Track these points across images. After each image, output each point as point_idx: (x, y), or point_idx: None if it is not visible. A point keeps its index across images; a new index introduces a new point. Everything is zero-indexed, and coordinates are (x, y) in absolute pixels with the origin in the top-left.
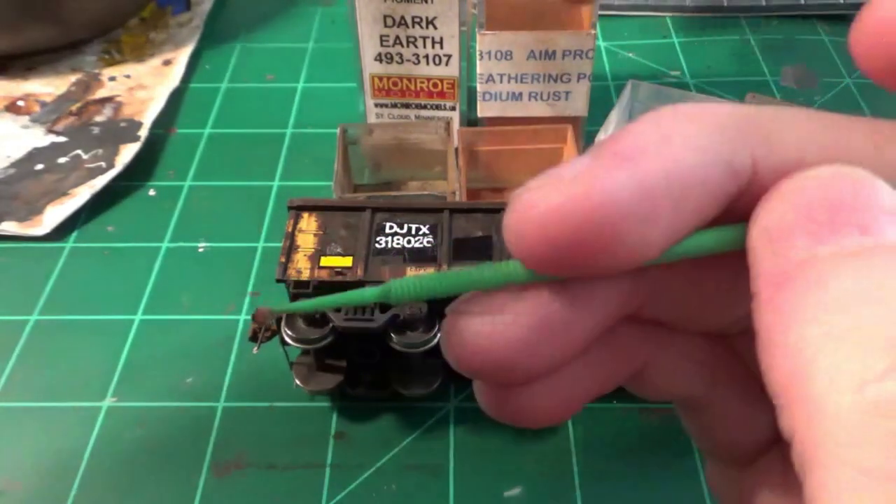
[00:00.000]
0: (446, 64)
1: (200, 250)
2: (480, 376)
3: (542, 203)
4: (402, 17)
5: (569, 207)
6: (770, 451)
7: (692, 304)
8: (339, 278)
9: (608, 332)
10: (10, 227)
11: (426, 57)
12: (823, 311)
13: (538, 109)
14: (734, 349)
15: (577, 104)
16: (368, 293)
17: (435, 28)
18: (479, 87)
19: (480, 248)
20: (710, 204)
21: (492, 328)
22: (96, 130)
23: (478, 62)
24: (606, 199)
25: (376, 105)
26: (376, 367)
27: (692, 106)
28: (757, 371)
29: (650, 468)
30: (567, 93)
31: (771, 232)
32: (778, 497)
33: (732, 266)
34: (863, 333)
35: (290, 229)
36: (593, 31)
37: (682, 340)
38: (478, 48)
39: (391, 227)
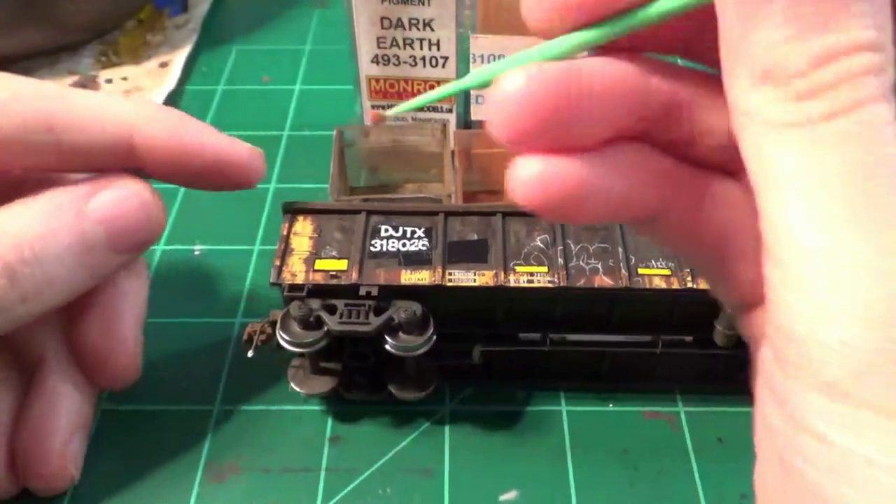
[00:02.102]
0: (443, 66)
1: (196, 253)
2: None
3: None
4: (399, 19)
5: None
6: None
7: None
8: (334, 281)
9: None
10: None
11: (423, 59)
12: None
13: None
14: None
15: None
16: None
17: (432, 30)
18: (472, 91)
19: (476, 251)
20: None
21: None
22: None
23: (471, 65)
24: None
25: (373, 107)
26: (371, 370)
27: None
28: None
29: (645, 471)
30: None
31: None
32: None
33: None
34: None
35: (285, 232)
36: None
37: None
38: (471, 51)
39: (386, 230)
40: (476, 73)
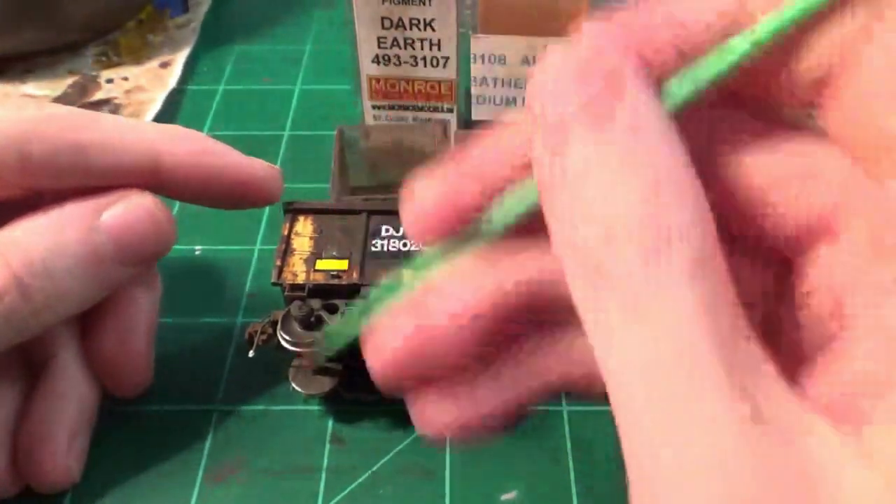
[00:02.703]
0: (444, 66)
1: (197, 253)
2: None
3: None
4: (400, 19)
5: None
6: None
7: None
8: (335, 281)
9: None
10: None
11: (424, 59)
12: None
13: None
14: None
15: None
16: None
17: (433, 30)
18: (472, 91)
19: None
20: None
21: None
22: None
23: (472, 65)
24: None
25: (374, 107)
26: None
27: None
28: None
29: None
30: None
31: None
32: None
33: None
34: None
35: (285, 232)
36: None
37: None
38: (471, 51)
39: (387, 230)
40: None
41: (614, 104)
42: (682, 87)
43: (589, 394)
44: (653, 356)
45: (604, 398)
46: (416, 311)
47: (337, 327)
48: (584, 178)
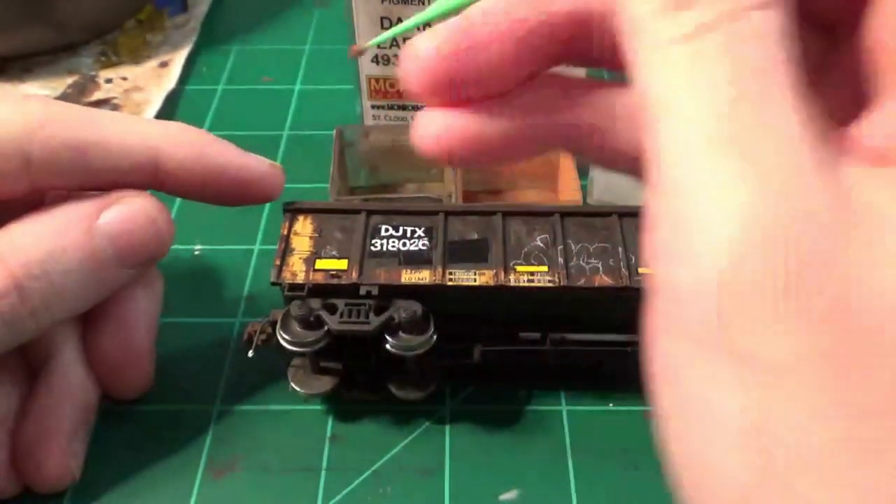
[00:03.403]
0: None
1: (196, 253)
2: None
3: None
4: (399, 19)
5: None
6: None
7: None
8: (335, 281)
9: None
10: None
11: None
12: None
13: None
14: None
15: None
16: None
17: None
18: None
19: (476, 250)
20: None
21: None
22: None
23: None
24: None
25: (373, 107)
26: (371, 369)
27: None
28: None
29: (646, 470)
30: None
31: None
32: None
33: None
34: None
35: (285, 232)
36: None
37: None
38: None
39: (386, 230)
40: (438, 4)
41: None
42: None
43: (601, 156)
44: (721, 73)
45: (620, 167)
46: (461, 24)
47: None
48: None
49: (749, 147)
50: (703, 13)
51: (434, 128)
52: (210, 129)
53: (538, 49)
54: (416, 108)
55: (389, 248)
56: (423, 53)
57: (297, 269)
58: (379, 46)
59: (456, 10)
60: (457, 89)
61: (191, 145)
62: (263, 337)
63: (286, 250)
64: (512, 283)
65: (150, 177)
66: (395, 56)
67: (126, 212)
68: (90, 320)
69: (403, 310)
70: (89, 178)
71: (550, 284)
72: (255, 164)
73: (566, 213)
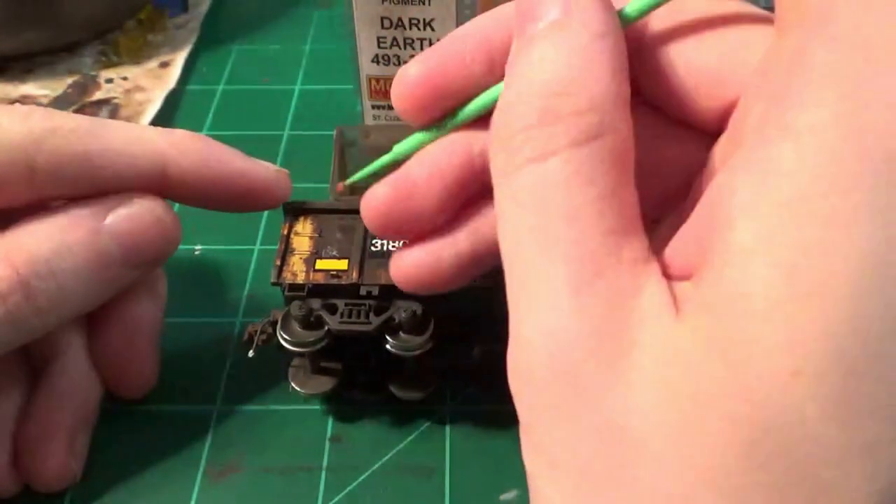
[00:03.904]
0: None
1: (197, 253)
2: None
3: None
4: (400, 19)
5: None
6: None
7: None
8: (335, 281)
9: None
10: None
11: None
12: None
13: None
14: None
15: None
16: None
17: (432, 30)
18: None
19: None
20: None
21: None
22: None
23: None
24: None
25: (373, 107)
26: (372, 370)
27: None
28: None
29: None
30: None
31: None
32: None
33: None
34: None
35: (285, 232)
36: None
37: None
38: None
39: None
40: (396, 149)
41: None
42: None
43: None
44: (518, 218)
45: None
46: (402, 174)
47: (352, 179)
48: (533, 43)
49: (531, 294)
50: (533, 149)
51: (403, 264)
52: (210, 130)
53: (462, 185)
54: None
55: (390, 248)
56: (373, 206)
57: (297, 270)
58: (379, 47)
59: (417, 149)
60: (407, 227)
61: (197, 153)
62: (264, 337)
63: (286, 250)
64: None
65: (156, 185)
66: (396, 56)
67: (133, 212)
68: (94, 320)
69: (403, 310)
70: (94, 187)
71: None
72: (261, 171)
73: None
